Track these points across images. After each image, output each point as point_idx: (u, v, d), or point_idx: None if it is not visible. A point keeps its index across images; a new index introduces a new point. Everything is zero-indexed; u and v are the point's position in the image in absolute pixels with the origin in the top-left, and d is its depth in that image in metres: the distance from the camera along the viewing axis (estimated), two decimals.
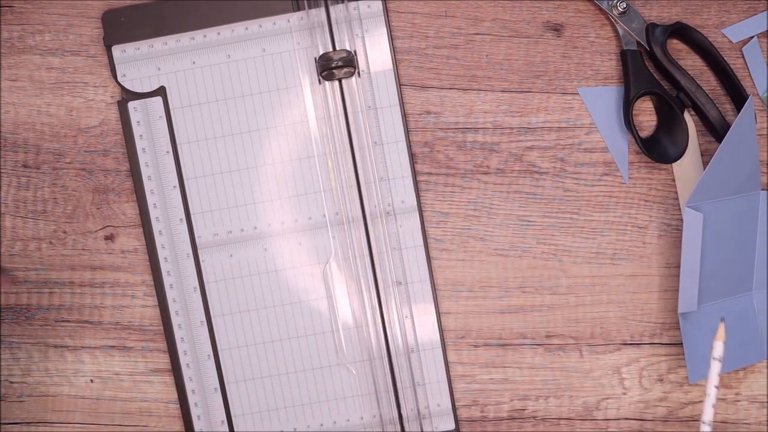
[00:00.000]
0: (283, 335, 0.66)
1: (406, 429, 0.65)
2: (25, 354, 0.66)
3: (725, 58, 0.65)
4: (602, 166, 0.66)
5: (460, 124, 0.66)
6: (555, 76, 0.66)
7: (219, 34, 0.65)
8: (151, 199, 0.65)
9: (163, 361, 0.66)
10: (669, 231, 0.66)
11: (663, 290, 0.66)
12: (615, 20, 0.65)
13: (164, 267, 0.65)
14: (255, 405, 0.66)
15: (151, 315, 0.66)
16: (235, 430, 0.66)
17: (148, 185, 0.65)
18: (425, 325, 0.65)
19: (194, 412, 0.66)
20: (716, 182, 0.62)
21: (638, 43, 0.65)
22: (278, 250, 0.65)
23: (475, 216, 0.66)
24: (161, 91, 0.65)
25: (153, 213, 0.65)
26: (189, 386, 0.66)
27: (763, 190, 0.65)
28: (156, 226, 0.65)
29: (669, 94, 0.65)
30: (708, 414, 0.59)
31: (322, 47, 0.65)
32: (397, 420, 0.65)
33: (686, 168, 0.66)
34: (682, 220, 0.63)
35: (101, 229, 0.66)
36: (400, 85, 0.65)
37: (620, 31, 0.65)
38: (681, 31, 0.65)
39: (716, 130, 0.64)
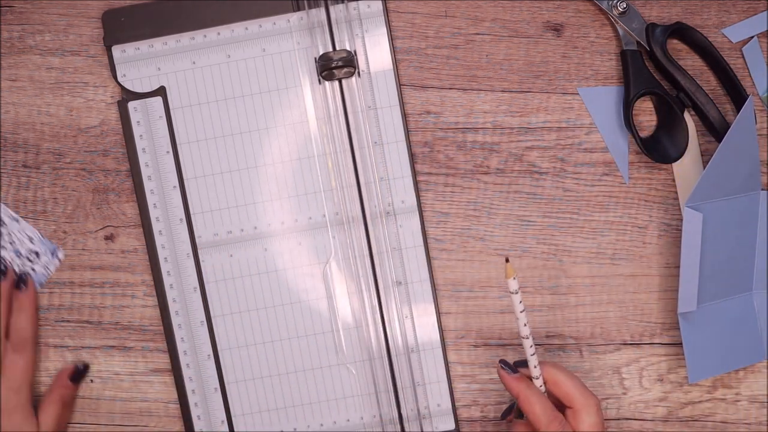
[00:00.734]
0: (283, 335, 0.66)
1: (406, 429, 0.65)
2: None
3: (725, 58, 0.65)
4: (602, 166, 0.66)
5: (460, 124, 0.66)
6: (555, 76, 0.66)
7: (219, 34, 0.65)
8: (151, 199, 0.65)
9: (163, 361, 0.66)
10: (669, 231, 0.66)
11: (663, 290, 0.66)
12: (615, 20, 0.65)
13: (164, 267, 0.65)
14: (255, 405, 0.66)
15: (151, 315, 0.66)
16: (235, 430, 0.66)
17: (148, 185, 0.65)
18: (425, 325, 0.65)
19: (194, 412, 0.66)
20: (716, 182, 0.62)
21: (638, 43, 0.65)
22: (278, 250, 0.65)
23: (475, 216, 0.66)
24: (161, 91, 0.65)
25: (153, 213, 0.65)
26: (189, 386, 0.66)
27: (763, 190, 0.65)
28: (156, 226, 0.65)
29: (669, 94, 0.64)
30: (524, 330, 0.58)
31: (322, 47, 0.65)
32: (397, 420, 0.65)
33: (686, 168, 0.66)
34: (682, 220, 0.63)
35: (101, 229, 0.66)
36: (400, 85, 0.65)
37: (620, 31, 0.65)
38: (681, 31, 0.65)
39: (716, 130, 0.64)
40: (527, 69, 0.66)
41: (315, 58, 0.65)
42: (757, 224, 0.65)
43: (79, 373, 0.65)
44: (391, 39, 0.65)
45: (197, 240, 0.65)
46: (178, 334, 0.65)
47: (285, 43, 0.65)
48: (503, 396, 0.66)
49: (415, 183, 0.65)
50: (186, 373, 0.65)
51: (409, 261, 0.65)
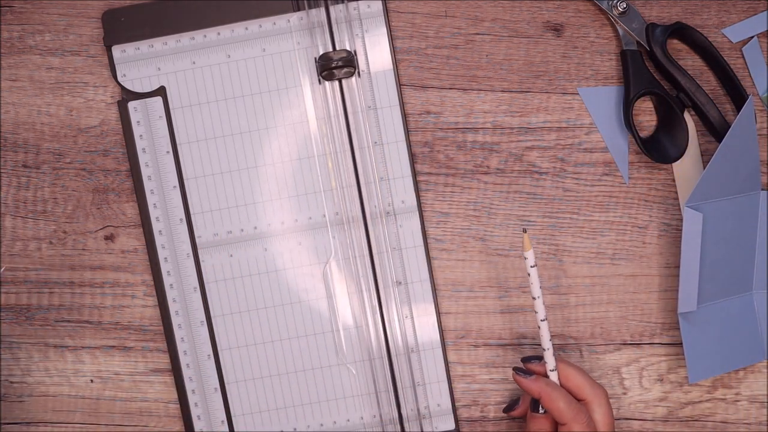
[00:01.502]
0: (283, 335, 0.66)
1: (406, 429, 0.65)
2: (25, 354, 0.66)
3: (725, 58, 0.65)
4: (602, 166, 0.66)
5: (460, 124, 0.66)
6: (555, 76, 0.66)
7: (219, 34, 0.65)
8: (151, 199, 0.65)
9: (163, 361, 0.66)
10: (669, 231, 0.66)
11: (663, 290, 0.66)
12: (615, 20, 0.65)
13: (164, 267, 0.65)
14: (255, 405, 0.66)
15: (151, 315, 0.66)
16: (235, 430, 0.66)
17: (148, 185, 0.65)
18: (425, 325, 0.65)
19: (194, 412, 0.66)
20: (716, 182, 0.62)
21: (638, 43, 0.65)
22: (278, 250, 0.65)
23: (475, 216, 0.66)
24: (161, 91, 0.65)
25: (153, 213, 0.65)
26: (189, 386, 0.66)
27: (763, 190, 0.65)
28: (156, 226, 0.65)
29: (669, 94, 0.64)
30: (541, 312, 0.60)
31: (322, 47, 0.65)
32: (397, 420, 0.65)
33: (686, 168, 0.66)
34: (682, 220, 0.63)
35: (101, 229, 0.66)
36: (400, 85, 0.65)
37: (620, 31, 0.65)
38: (681, 31, 0.65)
39: (716, 130, 0.64)
40: (527, 69, 0.66)
41: (315, 58, 0.65)
42: (757, 224, 0.65)
43: None
44: (391, 39, 0.65)
45: (197, 240, 0.65)
46: (178, 334, 0.65)
47: (285, 43, 0.65)
48: (503, 396, 0.66)
49: (415, 183, 0.65)
50: (186, 373, 0.65)
51: (409, 261, 0.65)
